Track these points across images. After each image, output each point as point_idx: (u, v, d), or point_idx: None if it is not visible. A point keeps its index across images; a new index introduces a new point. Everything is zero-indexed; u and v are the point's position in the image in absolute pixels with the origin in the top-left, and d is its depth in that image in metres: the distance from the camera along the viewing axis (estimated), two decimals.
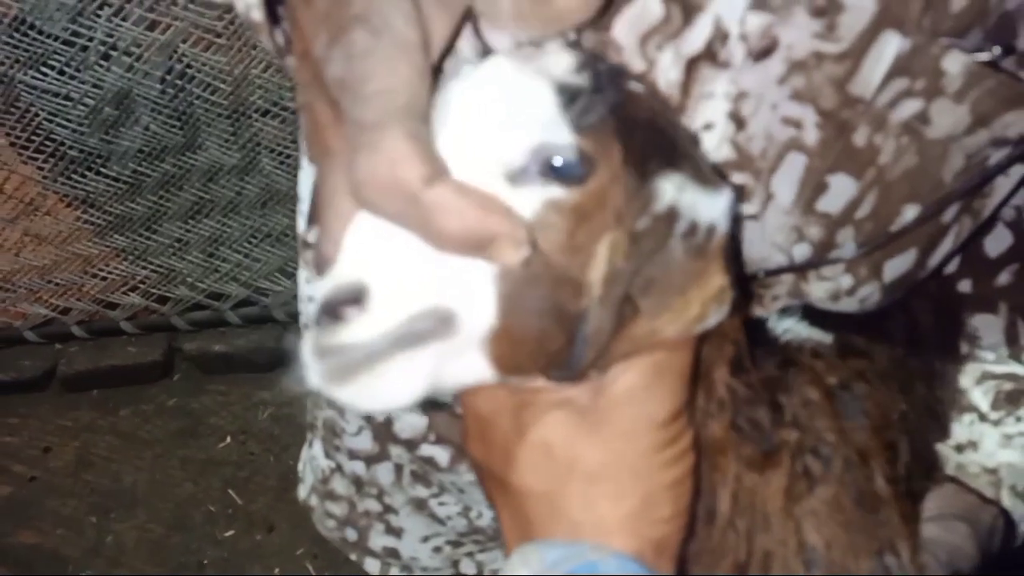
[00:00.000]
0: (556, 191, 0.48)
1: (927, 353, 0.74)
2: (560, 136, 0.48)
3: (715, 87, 0.53)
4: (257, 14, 0.57)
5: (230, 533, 2.14)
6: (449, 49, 0.51)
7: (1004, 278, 0.71)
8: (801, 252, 0.61)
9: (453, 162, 0.48)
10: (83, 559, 2.11)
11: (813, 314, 0.67)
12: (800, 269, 0.63)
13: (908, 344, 0.73)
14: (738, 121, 0.55)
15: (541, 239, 0.47)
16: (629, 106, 0.50)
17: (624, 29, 0.53)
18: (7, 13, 2.07)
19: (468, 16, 0.51)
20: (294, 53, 0.53)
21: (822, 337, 0.67)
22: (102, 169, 2.35)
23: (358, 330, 0.45)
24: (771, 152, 0.56)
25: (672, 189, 0.50)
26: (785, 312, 0.66)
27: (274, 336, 2.55)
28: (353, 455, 0.96)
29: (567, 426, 0.52)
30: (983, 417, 0.73)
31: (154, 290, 2.58)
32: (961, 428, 0.74)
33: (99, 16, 2.07)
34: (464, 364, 0.49)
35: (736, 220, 0.58)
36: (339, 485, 1.02)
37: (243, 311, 2.61)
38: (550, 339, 0.49)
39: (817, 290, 0.64)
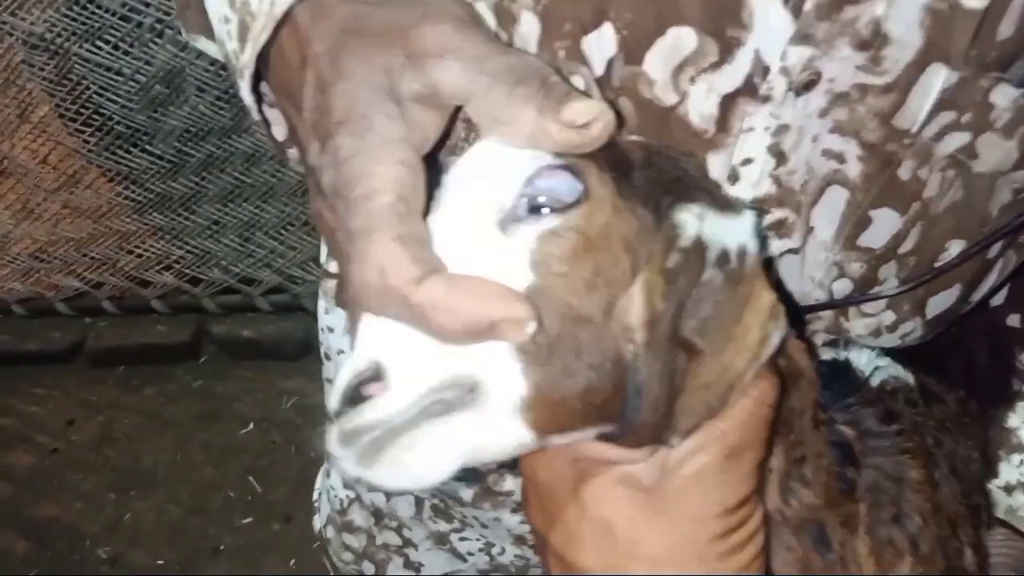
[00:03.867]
0: (550, 221, 0.46)
1: (983, 392, 0.72)
2: (543, 160, 0.47)
3: (755, 121, 0.52)
4: (248, 98, 0.56)
5: (248, 521, 2.13)
6: (443, 143, 0.50)
7: None
8: (841, 288, 0.60)
9: (449, 223, 0.47)
10: (101, 536, 2.11)
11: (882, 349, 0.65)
12: (840, 305, 0.61)
13: (967, 383, 0.71)
14: (778, 155, 0.53)
15: (549, 282, 0.45)
16: (617, 150, 0.49)
17: (655, 61, 0.52)
18: None
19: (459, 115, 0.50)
20: (300, 161, 0.53)
21: (905, 376, 0.64)
22: (146, 147, 2.36)
23: (380, 406, 0.44)
24: (812, 185, 0.55)
25: (693, 220, 0.48)
26: (855, 346, 0.64)
27: (303, 325, 2.54)
28: (372, 487, 0.94)
29: (630, 505, 0.50)
30: None
31: (187, 271, 2.58)
32: (1010, 468, 0.72)
33: None
34: (500, 433, 0.46)
35: (771, 258, 0.56)
36: (357, 516, 1.00)
37: (273, 298, 2.61)
38: (595, 392, 0.46)
39: (857, 327, 0.63)
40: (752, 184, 0.55)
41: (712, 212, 0.49)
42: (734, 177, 0.55)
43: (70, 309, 2.62)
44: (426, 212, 0.47)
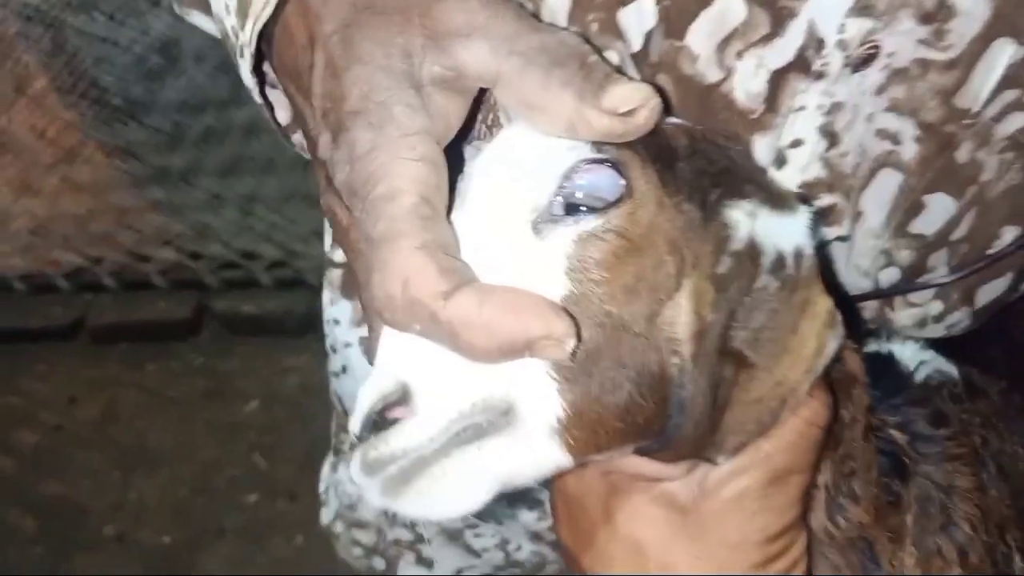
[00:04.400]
0: (589, 222, 0.42)
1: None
2: (581, 153, 0.43)
3: (806, 100, 0.48)
4: (249, 79, 0.51)
5: (253, 499, 2.12)
6: (467, 130, 0.46)
7: None
8: (889, 277, 0.57)
9: (476, 222, 0.43)
10: (106, 513, 2.10)
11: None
12: (887, 295, 0.58)
13: (1008, 370, 0.68)
14: (830, 136, 0.50)
15: (587, 289, 0.41)
16: (660, 136, 0.45)
17: (699, 34, 0.48)
18: None
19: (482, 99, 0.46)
20: (308, 150, 0.48)
21: (948, 370, 0.62)
22: (143, 119, 2.31)
23: (407, 434, 0.40)
24: (863, 168, 0.51)
25: (744, 218, 0.44)
26: (898, 338, 0.62)
27: (306, 300, 2.51)
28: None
29: (664, 526, 0.47)
30: None
31: (187, 246, 2.55)
32: None
33: None
34: (535, 456, 0.43)
35: (821, 244, 0.52)
36: (367, 512, 0.98)
37: (276, 273, 2.58)
38: (636, 410, 0.43)
39: (903, 317, 0.60)
40: (800, 168, 0.51)
41: (765, 209, 0.45)
42: (781, 160, 0.51)
43: (70, 285, 2.59)
44: (450, 209, 0.43)
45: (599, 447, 0.44)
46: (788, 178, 0.51)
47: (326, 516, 1.06)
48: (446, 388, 0.41)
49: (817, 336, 0.46)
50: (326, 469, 1.05)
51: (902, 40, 0.46)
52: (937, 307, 0.59)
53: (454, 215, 0.43)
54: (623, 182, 0.43)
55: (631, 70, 0.50)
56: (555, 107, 0.42)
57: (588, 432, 0.42)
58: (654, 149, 0.44)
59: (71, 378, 2.42)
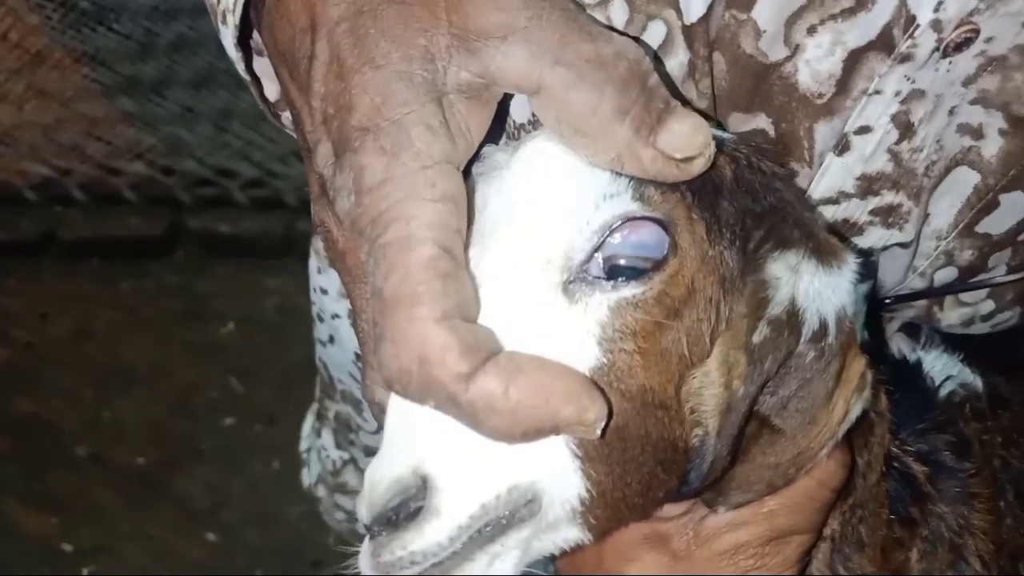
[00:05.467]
0: (629, 289, 0.38)
1: None
2: (622, 206, 0.38)
3: (885, 83, 0.44)
4: (234, 51, 0.45)
5: (230, 421, 2.11)
6: (482, 144, 0.40)
7: None
8: (944, 277, 0.54)
9: (499, 269, 0.39)
10: (80, 433, 2.08)
11: (953, 342, 0.60)
12: (939, 294, 0.56)
13: None
14: (904, 127, 0.46)
15: (617, 361, 0.38)
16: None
17: (769, 6, 0.43)
18: None
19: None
20: (299, 140, 0.42)
21: (974, 383, 0.60)
22: (113, 25, 2.20)
23: (426, 536, 0.37)
24: (937, 167, 0.48)
25: (787, 275, 0.41)
26: (931, 345, 0.60)
27: (284, 221, 2.45)
28: (370, 452, 0.90)
29: (654, 569, 0.45)
30: None
31: (159, 160, 2.46)
32: None
33: None
34: (556, 539, 0.41)
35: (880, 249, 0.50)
36: (352, 478, 0.97)
37: (252, 192, 2.51)
38: (657, 485, 0.41)
39: (951, 317, 0.58)
40: (863, 158, 0.47)
41: (810, 264, 0.41)
42: (844, 147, 0.47)
43: (39, 197, 2.50)
44: (466, 244, 0.38)
45: (620, 523, 0.42)
46: (848, 167, 0.47)
47: (307, 478, 1.05)
48: (467, 478, 0.38)
49: (845, 401, 0.43)
50: (307, 429, 1.03)
51: (1005, 24, 0.42)
52: (988, 307, 0.56)
53: (471, 251, 0.39)
54: (668, 239, 0.39)
55: (678, 45, 0.45)
56: (605, 137, 0.37)
57: (610, 511, 0.41)
58: (698, 184, 0.40)
59: (43, 294, 2.36)
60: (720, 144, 0.41)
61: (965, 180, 0.49)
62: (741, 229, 0.41)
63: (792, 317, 0.41)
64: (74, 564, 1.81)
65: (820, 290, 0.42)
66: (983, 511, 0.53)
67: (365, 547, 0.39)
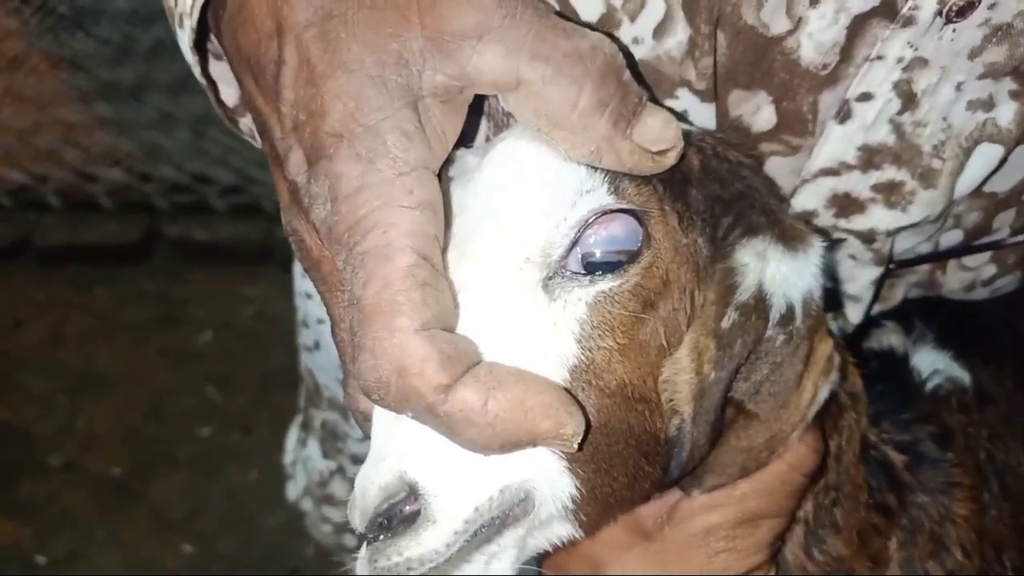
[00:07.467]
0: (605, 283, 0.39)
1: None
2: (598, 200, 0.40)
3: (887, 48, 0.43)
4: (190, 55, 0.45)
5: (207, 430, 2.10)
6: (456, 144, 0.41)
7: None
8: (950, 240, 0.54)
9: (477, 267, 0.39)
10: (53, 440, 2.06)
11: (945, 336, 0.61)
12: (942, 258, 0.56)
13: (1016, 359, 0.68)
14: (907, 96, 0.45)
15: (597, 358, 0.39)
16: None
17: None
18: None
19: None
20: (264, 147, 0.42)
21: (960, 377, 0.61)
22: (91, 30, 2.19)
23: (422, 542, 0.38)
24: (951, 149, 0.47)
25: (753, 261, 0.42)
26: (922, 340, 0.61)
27: (262, 228, 2.44)
28: (358, 460, 0.91)
29: (626, 550, 0.46)
30: None
31: (137, 166, 2.45)
32: None
33: None
34: (549, 536, 0.43)
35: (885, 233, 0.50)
36: (340, 489, 0.96)
37: (230, 199, 2.49)
38: (643, 477, 0.42)
39: (953, 281, 0.58)
40: (864, 126, 0.46)
41: (776, 249, 0.43)
42: (845, 114, 0.46)
43: (13, 203, 2.47)
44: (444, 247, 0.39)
45: (611, 517, 0.43)
46: (849, 136, 0.47)
47: (293, 492, 1.04)
48: (459, 482, 0.39)
49: (814, 384, 0.45)
50: (292, 441, 1.03)
51: None
52: (990, 271, 0.56)
53: (449, 255, 0.40)
54: (642, 230, 0.40)
55: (678, 21, 0.44)
56: (585, 130, 0.38)
57: (600, 506, 0.42)
58: (668, 175, 0.41)
59: (17, 300, 2.34)
60: (687, 136, 0.42)
61: (990, 155, 0.48)
62: (711, 216, 0.42)
63: (759, 302, 0.42)
64: (47, 574, 1.79)
65: (787, 275, 0.43)
66: (965, 500, 0.54)
67: (362, 553, 0.40)
